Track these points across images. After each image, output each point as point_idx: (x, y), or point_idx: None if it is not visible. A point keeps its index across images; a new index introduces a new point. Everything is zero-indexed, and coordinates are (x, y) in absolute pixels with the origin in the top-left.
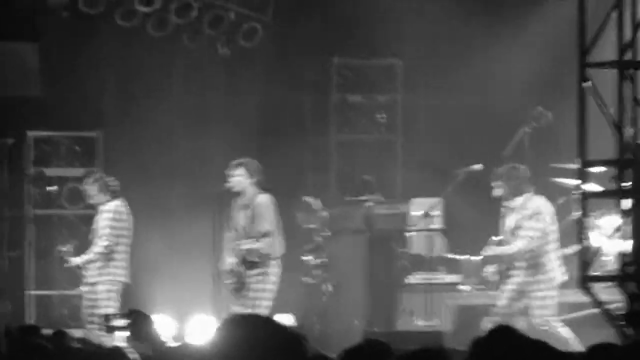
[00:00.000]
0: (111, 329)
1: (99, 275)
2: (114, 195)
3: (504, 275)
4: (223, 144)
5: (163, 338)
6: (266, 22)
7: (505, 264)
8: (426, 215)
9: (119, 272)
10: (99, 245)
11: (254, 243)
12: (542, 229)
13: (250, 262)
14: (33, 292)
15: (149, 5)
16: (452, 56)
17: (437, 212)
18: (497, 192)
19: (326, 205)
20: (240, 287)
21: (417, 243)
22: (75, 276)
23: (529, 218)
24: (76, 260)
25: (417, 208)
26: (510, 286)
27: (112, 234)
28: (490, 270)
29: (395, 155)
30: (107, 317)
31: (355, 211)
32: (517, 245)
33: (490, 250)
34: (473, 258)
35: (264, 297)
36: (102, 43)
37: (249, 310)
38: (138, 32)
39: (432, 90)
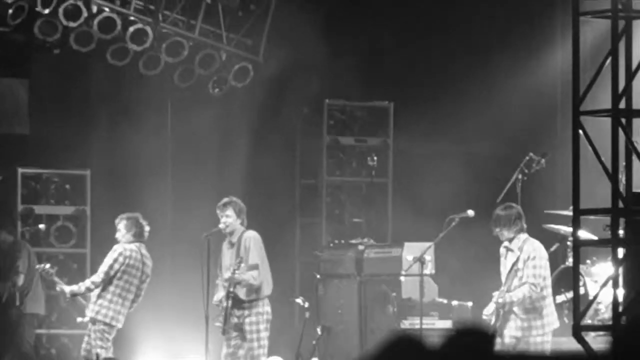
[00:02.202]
0: None
1: (90, 311)
2: (135, 239)
3: (503, 319)
4: (212, 184)
5: None
6: (257, 62)
7: (506, 307)
8: (419, 260)
9: (109, 314)
10: (90, 280)
11: (241, 273)
12: (541, 274)
13: (239, 300)
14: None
15: (141, 44)
16: (445, 102)
17: (429, 257)
18: (499, 235)
19: (317, 248)
20: (228, 327)
21: (408, 287)
22: (63, 316)
23: (529, 262)
24: (66, 288)
25: (408, 252)
26: (508, 331)
27: (107, 273)
28: (489, 312)
29: (386, 199)
30: None
31: (346, 255)
32: (521, 291)
33: (504, 297)
34: (465, 303)
35: (259, 337)
36: (93, 81)
37: (241, 352)
38: (129, 70)
39: (424, 135)
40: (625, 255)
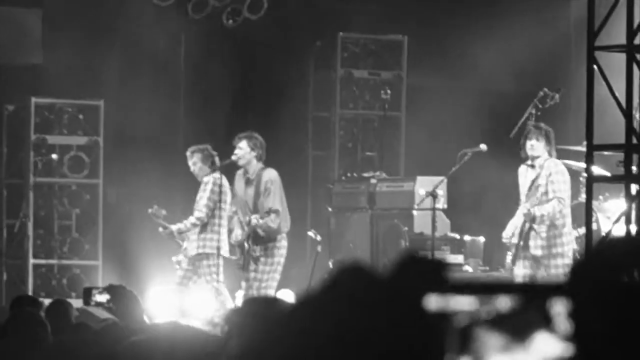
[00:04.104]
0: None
1: (196, 248)
2: (214, 168)
3: (525, 237)
4: (226, 117)
5: (147, 315)
6: None
7: (536, 221)
8: (431, 194)
9: (214, 245)
10: (194, 216)
11: (262, 219)
12: (566, 190)
13: (258, 236)
14: (32, 261)
15: None
16: (458, 37)
17: (441, 192)
18: (532, 149)
19: (329, 181)
20: (247, 262)
21: (420, 222)
22: (75, 246)
23: (553, 177)
24: (172, 228)
25: (420, 186)
26: (530, 249)
27: (207, 206)
28: (508, 235)
29: (399, 133)
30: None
31: (358, 188)
32: (550, 205)
33: (534, 208)
34: (477, 238)
35: (272, 270)
36: (107, 11)
37: (256, 284)
38: (143, 1)
39: (438, 69)
40: (638, 191)
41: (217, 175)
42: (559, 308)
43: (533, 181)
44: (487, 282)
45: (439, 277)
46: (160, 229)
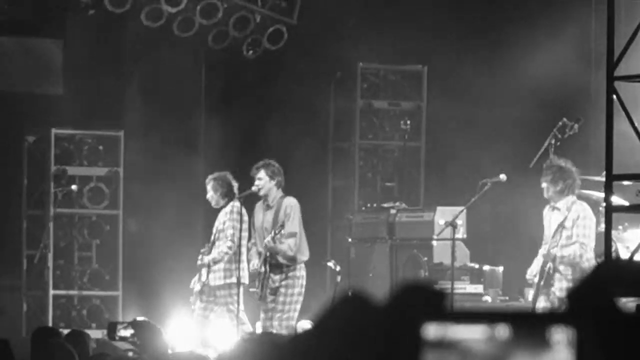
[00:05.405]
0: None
1: (222, 278)
2: (231, 196)
3: (547, 280)
4: (245, 146)
5: (169, 347)
6: (291, 24)
7: (552, 266)
8: (451, 224)
9: (236, 274)
10: (225, 245)
11: (280, 244)
12: (590, 236)
13: (276, 264)
14: (52, 292)
15: (175, 6)
16: (478, 66)
17: (460, 221)
18: (546, 189)
19: (349, 211)
20: (264, 292)
21: (440, 252)
22: (95, 277)
23: (579, 221)
24: (208, 258)
25: (440, 216)
26: (552, 293)
27: (235, 235)
28: (532, 273)
29: (419, 163)
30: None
31: (378, 218)
32: (572, 249)
33: (554, 249)
34: (496, 268)
35: (292, 301)
36: (127, 42)
37: (277, 315)
38: (163, 32)
39: (457, 99)
40: None
41: (237, 203)
42: (559, 336)
43: (560, 224)
44: (487, 310)
45: (437, 306)
46: (199, 261)
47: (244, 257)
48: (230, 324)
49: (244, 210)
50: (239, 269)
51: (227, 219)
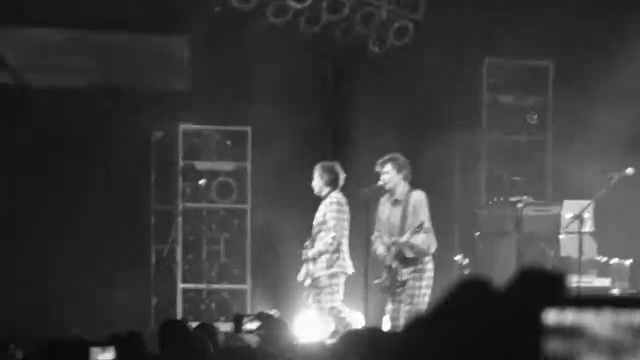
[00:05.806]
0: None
1: (325, 268)
2: (335, 185)
3: None
4: (371, 139)
5: (295, 340)
6: (417, 20)
7: None
8: (578, 217)
9: (339, 264)
10: (329, 237)
11: (411, 238)
12: None
13: (405, 258)
14: (181, 286)
15: (301, 2)
16: (604, 59)
17: (587, 215)
18: None
19: (476, 206)
20: (393, 285)
21: (567, 246)
22: (223, 271)
23: None
24: (312, 252)
25: (567, 210)
26: None
27: (338, 226)
28: None
29: (546, 157)
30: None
31: (505, 213)
32: None
33: None
34: (624, 261)
35: (420, 294)
36: (253, 39)
37: (406, 308)
38: (289, 29)
39: (584, 93)
40: None
41: (339, 194)
42: None
43: None
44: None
45: (558, 291)
46: (304, 256)
47: (345, 247)
48: (330, 314)
49: (344, 200)
50: (343, 258)
51: (327, 210)
